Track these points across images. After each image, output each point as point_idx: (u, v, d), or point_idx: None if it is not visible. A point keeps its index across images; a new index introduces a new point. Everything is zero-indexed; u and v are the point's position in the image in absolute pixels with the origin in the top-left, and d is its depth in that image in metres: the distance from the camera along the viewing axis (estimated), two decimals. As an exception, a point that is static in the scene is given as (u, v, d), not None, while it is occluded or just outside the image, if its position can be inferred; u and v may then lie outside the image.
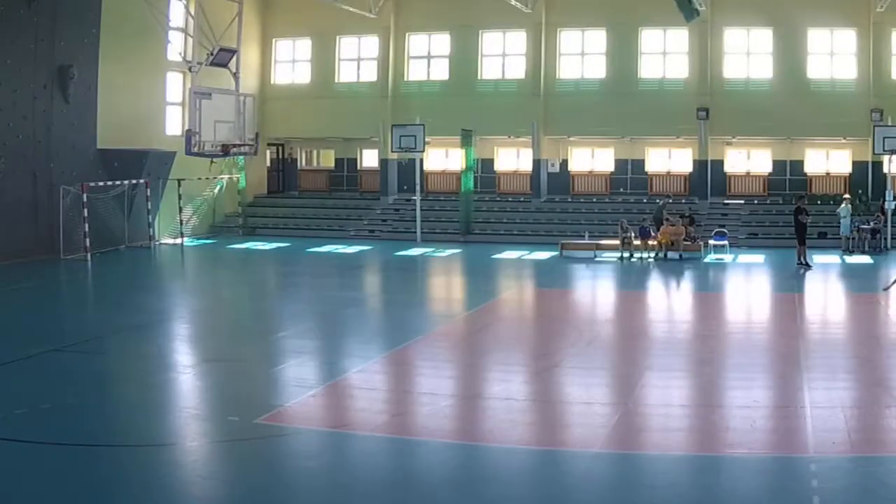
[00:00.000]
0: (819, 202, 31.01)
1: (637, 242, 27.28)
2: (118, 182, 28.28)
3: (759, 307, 20.59)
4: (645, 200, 33.24)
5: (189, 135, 25.91)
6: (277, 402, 11.77)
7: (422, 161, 33.77)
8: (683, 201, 32.49)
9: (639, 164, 34.95)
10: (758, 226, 31.09)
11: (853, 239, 27.98)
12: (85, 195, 26.29)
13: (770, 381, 13.01)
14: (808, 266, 24.44)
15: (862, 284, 22.40)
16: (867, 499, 8.32)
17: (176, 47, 30.28)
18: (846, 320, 17.83)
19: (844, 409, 10.92)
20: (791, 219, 26.18)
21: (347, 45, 36.66)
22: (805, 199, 27.55)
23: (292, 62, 37.49)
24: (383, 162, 36.02)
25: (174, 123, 32.41)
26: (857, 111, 30.88)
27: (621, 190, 34.96)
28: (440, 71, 35.65)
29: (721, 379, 13.18)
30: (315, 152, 39.96)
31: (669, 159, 35.05)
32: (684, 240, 27.22)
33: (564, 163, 35.60)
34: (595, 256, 27.52)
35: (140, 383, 12.89)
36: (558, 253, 28.01)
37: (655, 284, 24.17)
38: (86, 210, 26.31)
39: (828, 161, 33.47)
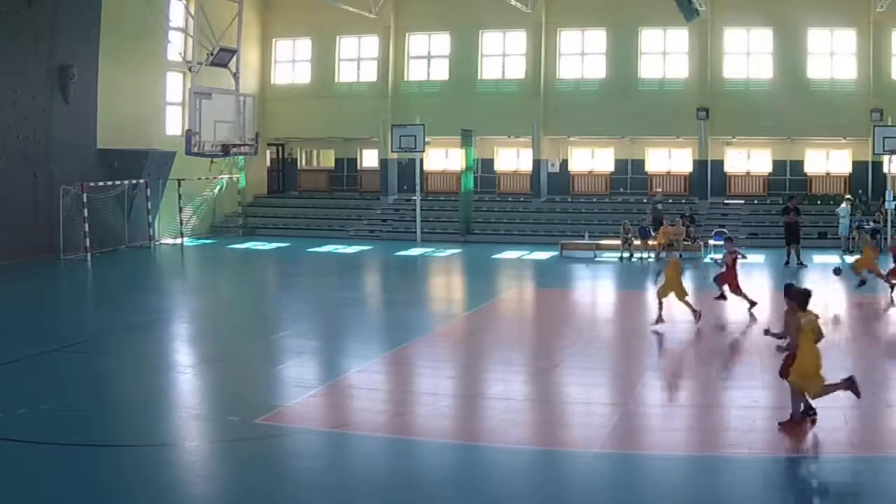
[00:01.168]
0: (819, 202, 31.00)
1: (637, 242, 27.30)
2: (118, 182, 28.30)
3: (758, 307, 20.54)
4: (645, 200, 33.23)
5: (189, 135, 25.89)
6: (277, 402, 11.77)
7: (422, 161, 33.77)
8: (683, 201, 32.49)
9: (639, 164, 34.97)
10: (758, 226, 31.08)
11: (853, 239, 27.95)
12: (85, 195, 26.31)
13: (770, 381, 12.99)
14: (786, 264, 24.82)
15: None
16: (867, 499, 8.33)
17: (176, 47, 30.29)
18: (846, 320, 17.81)
19: (844, 409, 10.91)
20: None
21: (347, 45, 36.67)
22: (795, 198, 27.58)
23: (292, 62, 37.51)
24: (383, 162, 36.03)
25: (174, 123, 32.43)
26: (857, 111, 30.88)
27: (621, 190, 34.98)
28: (440, 71, 35.66)
29: (721, 379, 13.19)
30: (315, 152, 39.97)
31: (669, 159, 35.07)
32: (684, 240, 27.23)
33: (564, 163, 35.61)
34: (595, 256, 27.52)
35: (140, 383, 12.91)
36: (558, 253, 28.01)
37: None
38: (86, 210, 26.33)
39: (828, 161, 33.49)
